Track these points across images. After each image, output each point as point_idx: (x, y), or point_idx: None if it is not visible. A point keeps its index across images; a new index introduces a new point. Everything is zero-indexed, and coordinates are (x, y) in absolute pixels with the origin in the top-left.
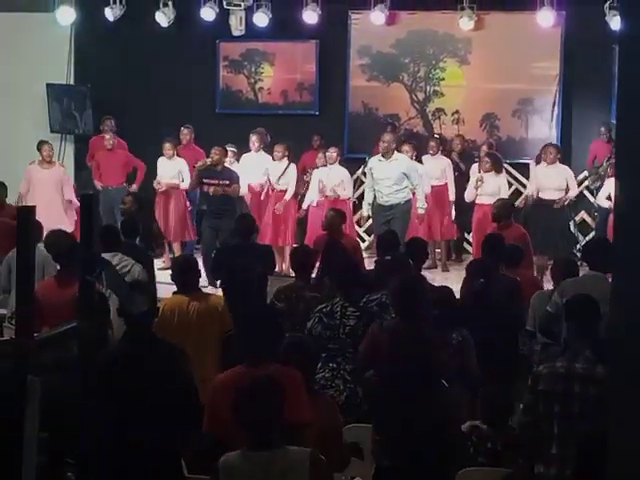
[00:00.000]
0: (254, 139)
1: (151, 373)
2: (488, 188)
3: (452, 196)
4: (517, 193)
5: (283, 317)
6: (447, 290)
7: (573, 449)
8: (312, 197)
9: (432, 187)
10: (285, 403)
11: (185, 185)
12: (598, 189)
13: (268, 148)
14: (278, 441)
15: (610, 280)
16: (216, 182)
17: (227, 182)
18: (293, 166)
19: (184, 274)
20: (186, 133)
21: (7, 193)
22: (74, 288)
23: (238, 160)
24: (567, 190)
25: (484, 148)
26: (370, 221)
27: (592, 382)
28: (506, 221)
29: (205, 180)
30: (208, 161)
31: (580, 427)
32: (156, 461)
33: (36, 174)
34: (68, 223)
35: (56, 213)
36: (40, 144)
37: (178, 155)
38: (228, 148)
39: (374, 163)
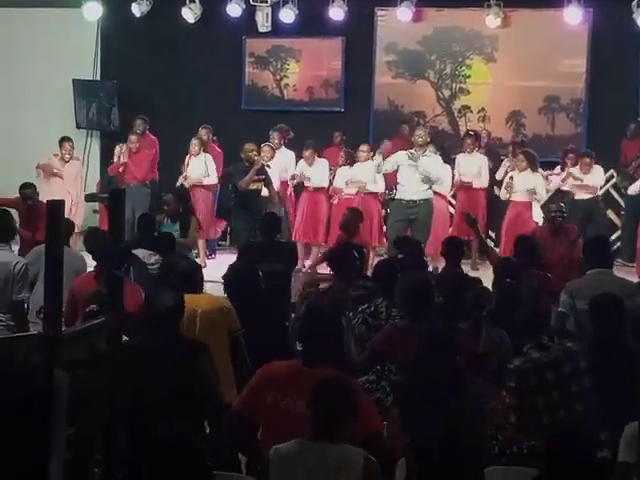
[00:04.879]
0: (275, 136)
1: (174, 368)
2: (523, 186)
3: (485, 184)
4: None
5: None
6: (486, 290)
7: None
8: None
9: (465, 185)
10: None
11: (210, 180)
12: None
13: (291, 144)
14: (336, 438)
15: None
16: (257, 178)
17: (263, 177)
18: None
19: (187, 277)
20: (204, 133)
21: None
22: None
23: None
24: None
25: (510, 147)
26: None
27: (574, 358)
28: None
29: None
30: (263, 160)
31: (582, 404)
32: (181, 456)
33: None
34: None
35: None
36: (63, 140)
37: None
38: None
39: (404, 158)
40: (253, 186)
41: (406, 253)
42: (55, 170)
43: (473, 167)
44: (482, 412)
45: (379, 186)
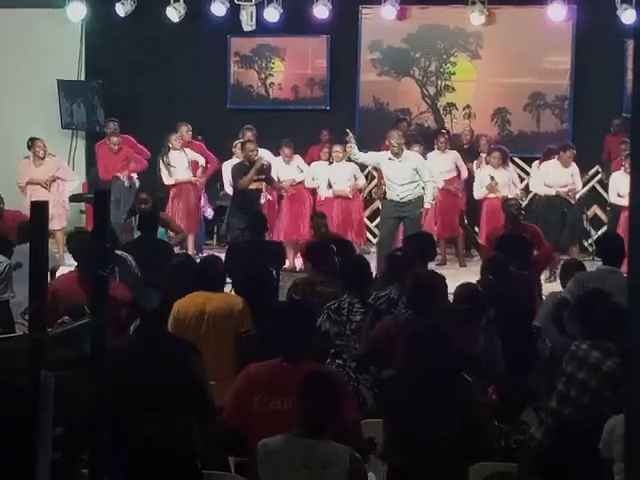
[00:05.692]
0: (249, 135)
1: (160, 367)
2: (499, 182)
3: (465, 174)
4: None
5: None
6: (473, 286)
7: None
8: (323, 191)
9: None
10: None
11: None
12: None
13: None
14: (324, 434)
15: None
16: (257, 178)
17: (263, 177)
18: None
19: (204, 273)
20: (186, 130)
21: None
22: None
23: None
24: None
25: (483, 143)
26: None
27: (596, 375)
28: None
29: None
30: (264, 161)
31: (568, 411)
32: (169, 456)
33: (30, 172)
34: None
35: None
36: (32, 141)
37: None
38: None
39: (383, 161)
40: (253, 186)
41: (402, 250)
42: (35, 181)
43: (446, 164)
44: (478, 406)
45: (360, 181)
